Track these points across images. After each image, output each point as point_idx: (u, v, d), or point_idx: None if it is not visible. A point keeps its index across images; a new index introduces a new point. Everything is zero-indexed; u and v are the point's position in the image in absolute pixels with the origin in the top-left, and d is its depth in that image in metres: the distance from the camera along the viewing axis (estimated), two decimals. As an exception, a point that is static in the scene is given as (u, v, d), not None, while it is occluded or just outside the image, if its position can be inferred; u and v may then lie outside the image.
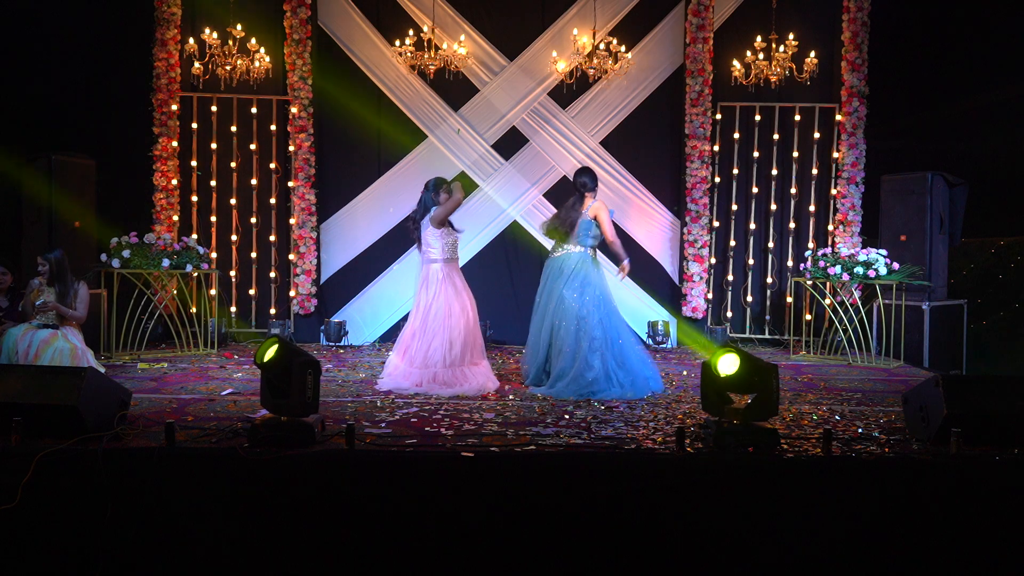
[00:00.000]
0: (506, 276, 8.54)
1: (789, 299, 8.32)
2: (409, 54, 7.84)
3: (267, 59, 7.84)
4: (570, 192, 8.36)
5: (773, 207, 8.58)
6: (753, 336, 8.61)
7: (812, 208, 8.55)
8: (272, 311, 8.56)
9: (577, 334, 5.75)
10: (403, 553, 3.76)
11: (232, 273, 8.51)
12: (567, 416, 4.89)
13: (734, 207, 8.60)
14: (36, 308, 5.86)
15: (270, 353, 4.10)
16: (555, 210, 8.54)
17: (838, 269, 7.43)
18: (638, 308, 8.52)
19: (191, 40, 7.86)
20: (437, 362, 5.76)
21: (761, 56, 7.82)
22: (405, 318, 8.24)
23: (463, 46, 7.94)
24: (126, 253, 7.21)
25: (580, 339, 5.73)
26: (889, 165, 8.36)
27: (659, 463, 3.92)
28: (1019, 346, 7.72)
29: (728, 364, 4.03)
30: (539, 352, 5.95)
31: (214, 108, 8.45)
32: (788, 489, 3.83)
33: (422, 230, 5.96)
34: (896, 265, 7.37)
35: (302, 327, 8.43)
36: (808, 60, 7.84)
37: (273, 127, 8.50)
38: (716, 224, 8.60)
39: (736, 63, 8.04)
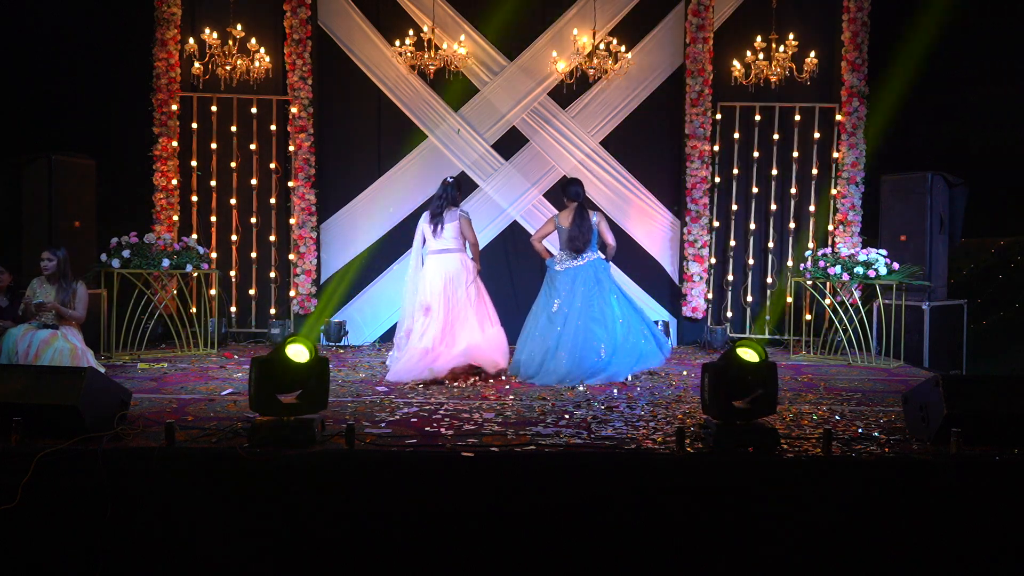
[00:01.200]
0: (506, 276, 8.54)
1: (789, 299, 8.32)
2: (409, 54, 7.84)
3: (267, 59, 7.84)
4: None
5: (773, 207, 8.58)
6: (753, 336, 8.60)
7: (812, 208, 8.55)
8: (272, 311, 8.56)
9: (642, 320, 6.60)
10: (403, 553, 3.76)
11: (232, 273, 8.51)
12: (567, 416, 4.89)
13: (734, 207, 8.60)
14: (36, 307, 5.86)
15: (303, 357, 4.03)
16: (556, 210, 8.60)
17: (838, 269, 7.43)
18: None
19: (191, 40, 7.86)
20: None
21: (761, 56, 7.82)
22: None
23: (463, 46, 7.94)
24: (126, 253, 7.21)
25: (645, 321, 6.63)
26: (889, 165, 8.36)
27: (659, 463, 3.92)
28: (1019, 346, 7.72)
29: (752, 353, 4.03)
30: (588, 351, 6.21)
31: (214, 108, 8.45)
32: (788, 489, 3.83)
33: (445, 221, 6.37)
34: (896, 265, 7.37)
35: (302, 327, 8.43)
36: (808, 60, 7.84)
37: (273, 127, 8.50)
38: (716, 224, 8.60)
39: (736, 63, 8.04)
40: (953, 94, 8.34)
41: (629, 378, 6.26)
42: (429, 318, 6.24)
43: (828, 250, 7.94)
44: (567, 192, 6.62)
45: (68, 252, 6.12)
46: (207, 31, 7.63)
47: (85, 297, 6.06)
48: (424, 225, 6.44)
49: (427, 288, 6.30)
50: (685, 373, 6.68)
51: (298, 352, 4.03)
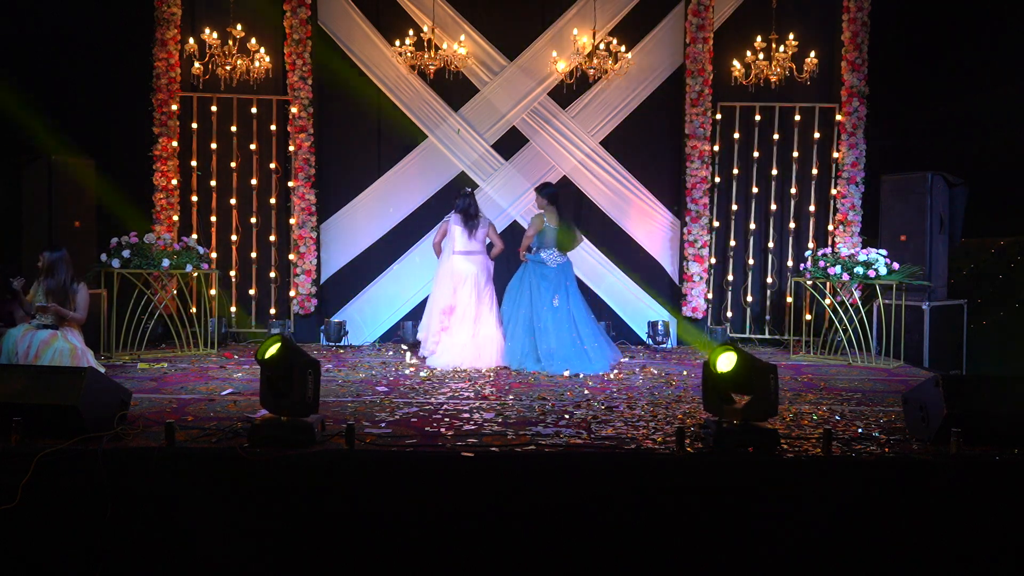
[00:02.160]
0: (506, 276, 8.51)
1: (789, 299, 8.32)
2: (409, 54, 7.84)
3: (267, 59, 7.84)
4: (570, 192, 8.44)
5: (773, 207, 8.58)
6: (753, 336, 8.61)
7: (812, 208, 8.56)
8: (272, 311, 8.56)
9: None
10: (403, 553, 3.76)
11: (232, 273, 8.51)
12: (567, 416, 4.89)
13: (734, 207, 8.60)
14: (38, 310, 5.85)
15: (272, 351, 4.08)
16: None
17: (838, 269, 7.43)
18: (638, 308, 8.52)
19: (191, 40, 7.86)
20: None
21: (761, 56, 7.82)
22: (406, 317, 8.33)
23: (463, 46, 7.94)
24: (126, 253, 7.21)
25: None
26: (889, 165, 8.36)
27: (659, 463, 3.92)
28: (1019, 346, 7.71)
29: (726, 361, 4.02)
30: (586, 340, 6.81)
31: (214, 108, 8.45)
32: (788, 489, 3.83)
33: (479, 226, 7.07)
34: (896, 265, 7.37)
35: (302, 327, 8.43)
36: (808, 60, 7.84)
37: (273, 127, 8.50)
38: (716, 224, 8.60)
39: (736, 63, 8.04)
40: (954, 94, 8.34)
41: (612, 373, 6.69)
42: (456, 315, 6.97)
43: (828, 250, 7.94)
44: (545, 193, 7.09)
45: (68, 252, 6.08)
46: (207, 31, 7.63)
47: (86, 298, 6.04)
48: (457, 227, 7.04)
49: (456, 287, 7.01)
50: (685, 373, 6.68)
51: (270, 348, 4.06)
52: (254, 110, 8.47)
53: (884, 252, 7.48)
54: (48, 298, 5.87)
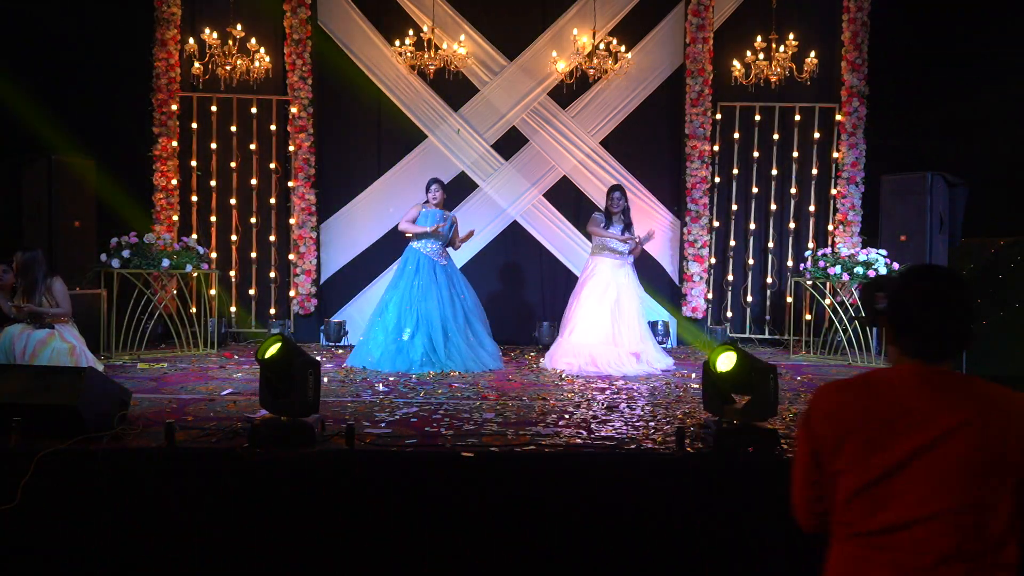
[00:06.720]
0: (506, 276, 8.54)
1: (789, 299, 8.33)
2: (409, 54, 7.84)
3: (267, 59, 7.84)
4: (570, 192, 8.45)
5: (773, 207, 8.58)
6: (753, 336, 8.61)
7: (812, 208, 8.56)
8: (272, 311, 8.56)
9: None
10: (403, 553, 3.76)
11: (232, 273, 8.51)
12: (567, 416, 4.89)
13: (734, 207, 8.60)
14: (11, 308, 5.79)
15: (272, 350, 4.07)
16: (556, 210, 8.64)
17: (838, 269, 7.43)
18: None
19: (191, 40, 7.86)
20: None
21: (761, 56, 7.82)
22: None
23: (463, 46, 7.95)
24: (126, 253, 7.21)
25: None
26: (889, 165, 8.36)
27: (659, 463, 3.92)
28: (1019, 346, 7.70)
29: (725, 361, 4.01)
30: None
31: (214, 108, 8.44)
32: (788, 489, 3.82)
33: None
34: (896, 265, 7.37)
35: (302, 327, 8.43)
36: (808, 60, 7.84)
37: (273, 127, 8.50)
38: (716, 224, 8.60)
39: (736, 63, 8.04)
40: (954, 94, 8.34)
41: None
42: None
43: (828, 250, 7.94)
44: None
45: (42, 252, 5.93)
46: (207, 31, 7.63)
47: (61, 290, 5.83)
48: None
49: None
50: (685, 373, 6.68)
51: (270, 347, 4.06)
52: (254, 110, 8.47)
53: (884, 252, 7.48)
54: (23, 298, 5.80)
